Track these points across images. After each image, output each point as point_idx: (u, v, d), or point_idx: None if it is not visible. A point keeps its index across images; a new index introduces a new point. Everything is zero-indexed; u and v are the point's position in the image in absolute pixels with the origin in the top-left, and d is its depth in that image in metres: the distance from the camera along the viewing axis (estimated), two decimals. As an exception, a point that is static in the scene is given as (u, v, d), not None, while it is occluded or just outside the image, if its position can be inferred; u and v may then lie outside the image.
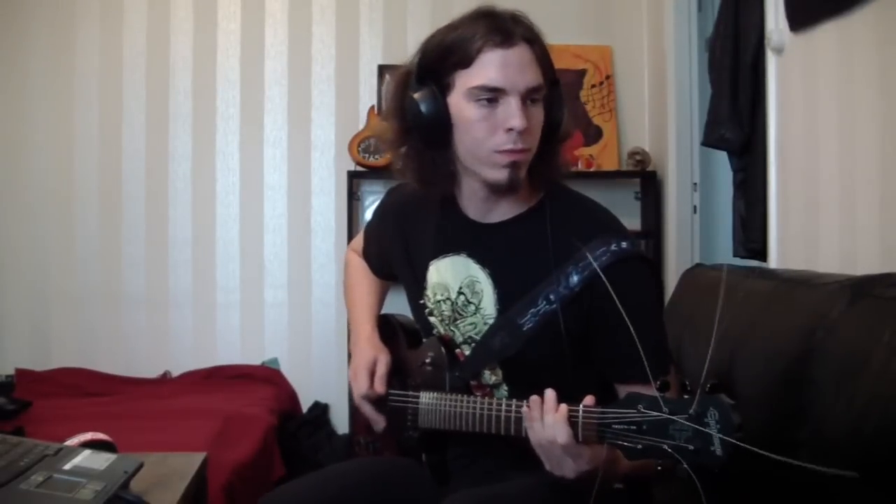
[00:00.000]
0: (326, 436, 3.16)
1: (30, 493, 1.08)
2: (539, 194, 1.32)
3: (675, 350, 1.53)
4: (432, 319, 1.40)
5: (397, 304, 1.57)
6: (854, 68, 1.75)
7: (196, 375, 3.25)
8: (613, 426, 1.01)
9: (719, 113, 2.40)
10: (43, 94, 3.36)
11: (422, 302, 1.41)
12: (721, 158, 2.67)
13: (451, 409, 1.27)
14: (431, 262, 1.38)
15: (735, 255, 2.47)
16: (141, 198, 3.40)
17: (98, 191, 3.39)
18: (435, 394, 1.32)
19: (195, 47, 3.41)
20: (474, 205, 1.33)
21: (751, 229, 2.32)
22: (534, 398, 1.10)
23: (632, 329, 1.04)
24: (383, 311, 1.59)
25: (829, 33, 1.84)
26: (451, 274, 1.36)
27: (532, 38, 1.23)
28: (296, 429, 3.05)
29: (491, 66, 1.20)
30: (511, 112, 1.20)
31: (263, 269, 3.43)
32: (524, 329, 1.25)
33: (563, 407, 1.08)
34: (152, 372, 3.30)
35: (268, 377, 3.25)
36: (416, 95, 1.25)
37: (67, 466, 1.18)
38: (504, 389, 1.34)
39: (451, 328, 1.36)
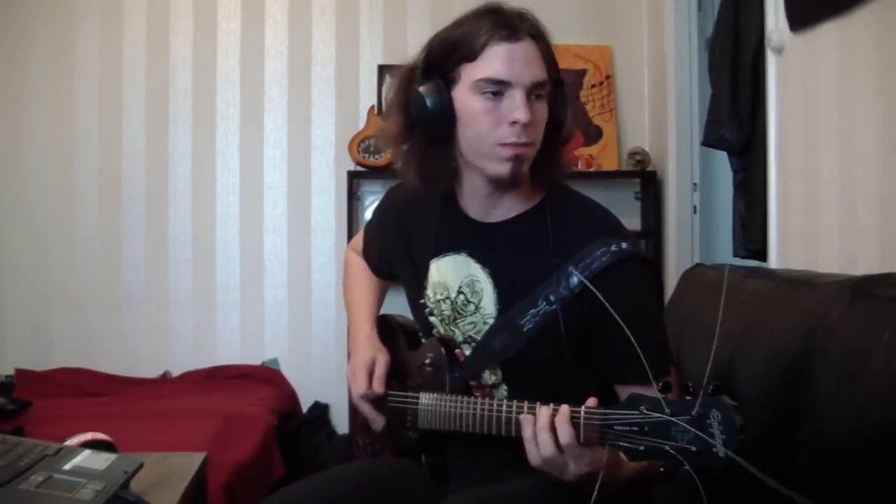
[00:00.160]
0: (326, 436, 3.16)
1: (30, 493, 1.08)
2: (540, 194, 1.32)
3: (675, 350, 1.53)
4: (432, 319, 1.40)
5: (397, 304, 1.57)
6: (854, 68, 1.75)
7: (196, 375, 3.26)
8: (615, 427, 1.01)
9: (719, 113, 2.40)
10: (43, 94, 3.36)
11: (422, 301, 1.41)
12: (721, 158, 2.67)
13: (451, 410, 1.27)
14: (432, 262, 1.38)
15: (735, 255, 2.47)
16: (141, 198, 3.40)
17: (98, 191, 3.39)
18: (435, 394, 1.32)
19: (195, 47, 3.41)
20: (475, 203, 1.33)
21: (751, 229, 2.32)
22: (525, 417, 1.11)
23: (632, 330, 1.04)
24: (383, 312, 1.59)
25: (829, 33, 1.84)
26: (451, 273, 1.36)
27: (538, 35, 1.25)
28: (296, 429, 3.05)
29: (497, 59, 1.21)
30: (515, 104, 1.20)
31: (263, 269, 3.43)
32: (524, 330, 1.25)
33: (565, 408, 1.08)
34: (152, 372, 3.30)
35: (268, 377, 3.25)
36: (421, 89, 1.25)
37: (67, 466, 1.18)
38: (504, 390, 1.34)
39: (451, 328, 1.36)
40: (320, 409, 3.30)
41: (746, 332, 1.54)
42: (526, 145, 1.23)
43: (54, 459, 1.20)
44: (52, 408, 2.63)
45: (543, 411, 1.09)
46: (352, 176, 3.28)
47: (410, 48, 1.32)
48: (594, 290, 1.13)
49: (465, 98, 1.24)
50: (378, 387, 1.41)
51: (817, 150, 1.91)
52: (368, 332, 1.50)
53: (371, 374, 1.42)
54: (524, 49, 1.22)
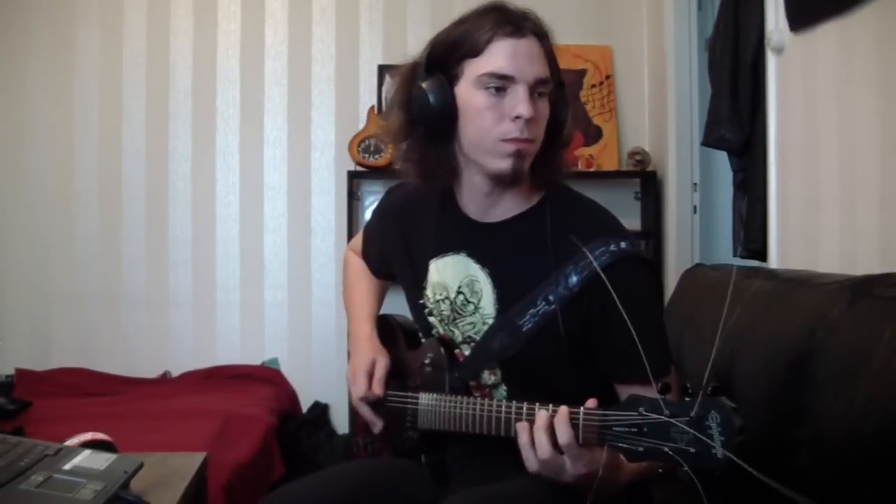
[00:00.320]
0: (326, 436, 3.17)
1: (30, 493, 1.08)
2: (539, 194, 1.32)
3: (675, 351, 1.53)
4: (432, 319, 1.40)
5: (397, 304, 1.57)
6: (854, 68, 1.75)
7: (196, 375, 3.26)
8: (614, 428, 1.01)
9: (719, 113, 2.39)
10: (43, 94, 3.36)
11: (421, 302, 1.41)
12: (721, 158, 2.67)
13: (451, 410, 1.27)
14: (431, 262, 1.38)
15: (735, 255, 2.47)
16: (141, 198, 3.40)
17: (98, 191, 3.39)
18: (434, 395, 1.32)
19: (195, 47, 3.41)
20: (474, 203, 1.33)
21: (751, 229, 2.32)
22: (521, 424, 1.11)
23: (632, 330, 1.04)
24: (382, 312, 1.59)
25: (829, 33, 1.84)
26: (450, 273, 1.36)
27: (541, 34, 1.25)
28: (296, 429, 3.05)
29: (500, 55, 1.21)
30: (519, 100, 1.21)
31: (263, 269, 3.43)
32: (523, 330, 1.25)
33: (564, 408, 1.08)
34: (152, 372, 3.30)
35: (268, 377, 3.25)
36: (424, 85, 1.26)
37: (67, 466, 1.18)
38: (503, 390, 1.34)
39: (451, 328, 1.36)
40: (320, 409, 3.30)
41: (746, 332, 1.54)
42: (528, 141, 1.23)
43: (54, 459, 1.20)
44: (52, 408, 2.63)
45: (542, 412, 1.09)
46: (352, 176, 3.28)
47: (410, 48, 1.32)
48: (594, 289, 1.13)
49: (468, 93, 1.24)
50: (377, 389, 1.41)
51: (817, 150, 1.91)
52: (368, 332, 1.50)
53: (370, 376, 1.42)
54: (528, 45, 1.23)
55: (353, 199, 3.30)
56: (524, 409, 1.14)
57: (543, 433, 1.08)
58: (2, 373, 3.06)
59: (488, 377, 1.34)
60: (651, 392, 0.98)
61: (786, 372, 1.38)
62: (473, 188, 1.32)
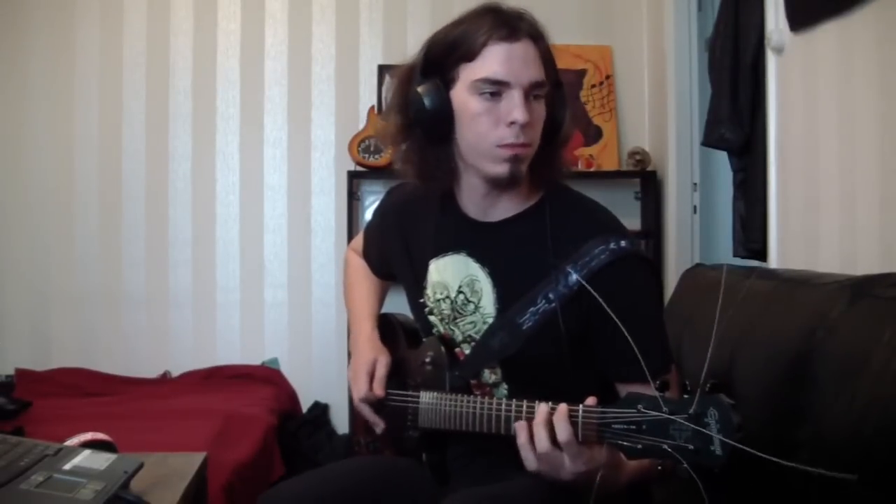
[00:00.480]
0: (326, 436, 3.17)
1: (30, 493, 1.08)
2: (539, 193, 1.32)
3: (675, 350, 1.53)
4: (432, 318, 1.40)
5: (397, 303, 1.57)
6: (854, 68, 1.75)
7: (196, 375, 3.26)
8: (613, 426, 1.01)
9: (719, 113, 2.40)
10: (43, 94, 3.36)
11: (421, 301, 1.41)
12: (721, 158, 2.67)
13: (451, 409, 1.27)
14: (431, 261, 1.38)
15: (735, 255, 2.47)
16: (141, 198, 3.40)
17: (98, 191, 3.39)
18: (435, 393, 1.32)
19: (195, 47, 3.41)
20: (474, 203, 1.33)
21: (751, 229, 2.32)
22: (520, 423, 1.11)
23: (631, 328, 1.04)
24: (383, 311, 1.59)
25: (829, 33, 1.84)
26: (450, 273, 1.36)
27: (537, 36, 1.24)
28: (296, 429, 3.05)
29: (495, 59, 1.21)
30: (514, 105, 1.20)
31: (263, 269, 3.43)
32: (524, 328, 1.25)
33: (563, 406, 1.08)
34: (152, 372, 3.30)
35: (268, 377, 3.25)
36: (419, 89, 1.25)
37: (67, 466, 1.18)
38: (504, 388, 1.34)
39: (451, 327, 1.36)
40: (320, 409, 3.30)
41: (746, 332, 1.54)
42: (524, 146, 1.23)
43: (54, 459, 1.20)
44: (52, 408, 2.63)
45: (542, 408, 1.09)
46: (352, 176, 3.28)
47: (410, 48, 1.31)
48: (604, 277, 1.13)
49: (464, 98, 1.24)
50: (378, 389, 1.41)
51: (817, 150, 1.91)
52: (369, 331, 1.50)
53: (372, 376, 1.42)
54: (523, 49, 1.22)
55: (353, 199, 3.30)
56: (524, 407, 1.14)
57: (542, 428, 1.08)
58: (2, 373, 3.07)
59: (489, 376, 1.34)
60: (650, 390, 0.98)
61: (786, 372, 1.38)
62: (472, 189, 1.32)
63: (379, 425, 1.43)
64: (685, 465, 0.93)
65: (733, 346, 1.54)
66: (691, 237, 3.08)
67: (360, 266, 1.63)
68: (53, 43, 3.35)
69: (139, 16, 3.39)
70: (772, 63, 2.11)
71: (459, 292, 1.34)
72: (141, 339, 3.37)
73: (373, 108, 3.32)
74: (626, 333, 1.04)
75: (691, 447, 0.93)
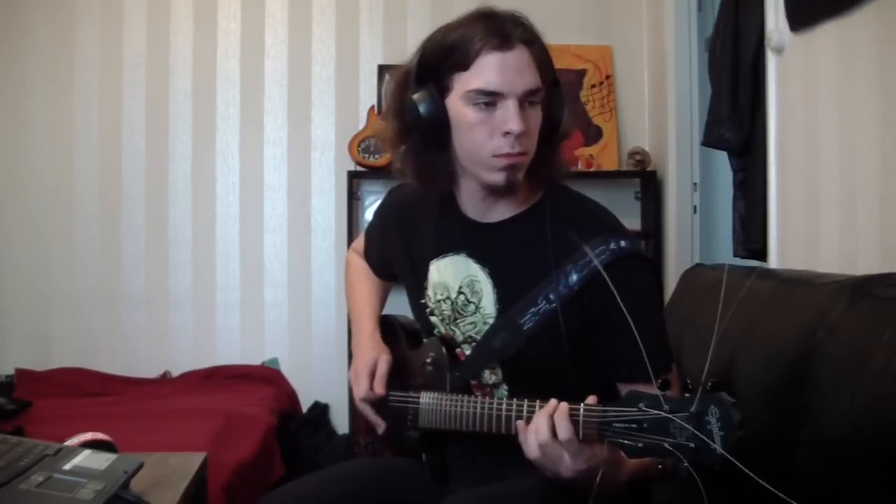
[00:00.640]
0: (326, 436, 3.17)
1: (30, 493, 1.08)
2: (539, 193, 1.32)
3: (675, 350, 1.53)
4: (433, 319, 1.40)
5: (398, 304, 1.57)
6: (854, 68, 1.75)
7: (196, 375, 3.25)
8: (614, 424, 1.01)
9: (719, 113, 2.40)
10: (43, 94, 3.36)
11: (422, 301, 1.41)
12: (721, 158, 2.67)
13: (452, 409, 1.27)
14: (432, 262, 1.38)
15: (735, 255, 2.47)
16: (141, 198, 3.40)
17: (98, 191, 3.39)
18: (435, 394, 1.32)
19: (195, 47, 3.41)
20: (473, 204, 1.34)
21: (751, 229, 2.32)
22: (520, 423, 1.11)
23: (632, 327, 1.04)
24: (384, 313, 1.59)
25: (829, 33, 1.84)
26: (451, 273, 1.36)
27: (530, 40, 1.23)
28: (296, 429, 3.05)
29: (488, 70, 1.20)
30: (509, 115, 1.20)
31: (263, 269, 3.43)
32: (524, 329, 1.25)
33: (564, 405, 1.08)
34: (152, 372, 3.30)
35: (268, 377, 3.25)
36: (415, 97, 1.25)
37: (67, 466, 1.18)
38: (504, 389, 1.34)
39: (452, 327, 1.37)
40: (320, 409, 3.30)
41: (746, 332, 1.54)
42: (520, 155, 1.23)
43: (54, 459, 1.20)
44: (52, 408, 2.63)
45: (542, 404, 1.09)
46: (352, 176, 3.28)
47: (410, 48, 1.31)
48: (595, 287, 1.13)
49: (459, 107, 1.23)
50: (379, 388, 1.41)
51: (817, 150, 1.91)
52: (371, 331, 1.50)
53: (372, 375, 1.42)
54: (516, 57, 1.21)
55: (353, 199, 3.30)
56: (525, 406, 1.14)
57: (544, 419, 1.08)
58: (2, 373, 3.06)
59: (489, 376, 1.34)
60: (652, 389, 0.98)
61: (786, 372, 1.38)
62: (471, 192, 1.32)
63: (380, 425, 1.43)
64: (685, 464, 0.93)
65: (733, 346, 1.55)
66: (691, 237, 3.08)
67: (361, 267, 1.63)
68: (53, 43, 3.35)
69: (139, 16, 3.39)
70: (772, 63, 2.11)
71: (460, 293, 1.34)
72: (141, 339, 3.37)
73: (373, 108, 3.32)
74: (628, 332, 1.04)
75: (692, 445, 0.93)
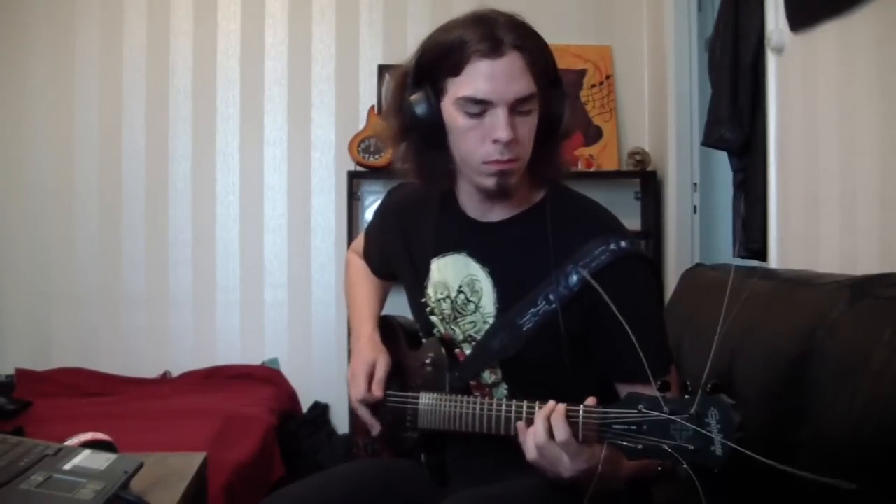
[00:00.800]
0: (326, 436, 3.17)
1: (30, 493, 1.08)
2: (539, 193, 1.32)
3: (675, 350, 1.53)
4: (433, 318, 1.40)
5: (398, 304, 1.57)
6: (854, 68, 1.75)
7: (196, 375, 3.25)
8: (614, 426, 1.01)
9: (719, 113, 2.39)
10: (43, 94, 3.36)
11: (423, 301, 1.41)
12: (721, 158, 2.67)
13: (451, 410, 1.27)
14: (432, 261, 1.38)
15: (735, 255, 2.47)
16: (141, 198, 3.40)
17: (98, 191, 3.39)
18: (434, 394, 1.32)
19: (195, 47, 3.41)
20: (473, 204, 1.34)
21: (751, 229, 2.32)
22: (521, 424, 1.11)
23: (632, 328, 1.04)
24: (383, 314, 1.59)
25: (829, 33, 1.84)
26: (451, 272, 1.36)
27: (524, 45, 1.21)
28: (296, 429, 3.05)
29: (478, 77, 1.20)
30: (497, 124, 1.20)
31: (263, 269, 3.43)
32: (524, 329, 1.25)
33: (561, 406, 1.08)
34: (152, 372, 3.30)
35: (268, 377, 3.25)
36: (412, 98, 1.25)
37: (67, 466, 1.18)
38: (503, 389, 1.34)
39: (452, 327, 1.36)
40: (320, 409, 3.30)
41: (746, 332, 1.54)
42: (510, 161, 1.22)
43: (54, 459, 1.20)
44: (52, 408, 2.63)
45: (541, 406, 1.09)
46: (352, 176, 3.28)
47: (410, 48, 1.31)
48: (594, 288, 1.13)
49: (451, 112, 1.23)
50: (377, 391, 1.41)
51: (817, 150, 1.91)
52: (370, 332, 1.50)
53: (370, 377, 1.42)
54: (507, 64, 1.20)
55: (353, 199, 3.30)
56: (524, 407, 1.14)
57: (540, 421, 1.08)
58: (2, 373, 3.07)
59: (489, 376, 1.34)
60: (651, 391, 0.98)
61: (786, 372, 1.38)
62: (470, 193, 1.33)
63: (375, 427, 1.43)
64: (685, 466, 0.93)
65: (733, 346, 1.55)
66: (691, 237, 3.08)
67: (360, 267, 1.63)
68: (53, 43, 3.35)
69: (139, 16, 3.39)
70: (772, 63, 2.11)
71: (460, 292, 1.34)
72: (141, 339, 3.37)
73: (373, 108, 3.32)
74: (626, 334, 1.04)
75: (692, 447, 0.93)
